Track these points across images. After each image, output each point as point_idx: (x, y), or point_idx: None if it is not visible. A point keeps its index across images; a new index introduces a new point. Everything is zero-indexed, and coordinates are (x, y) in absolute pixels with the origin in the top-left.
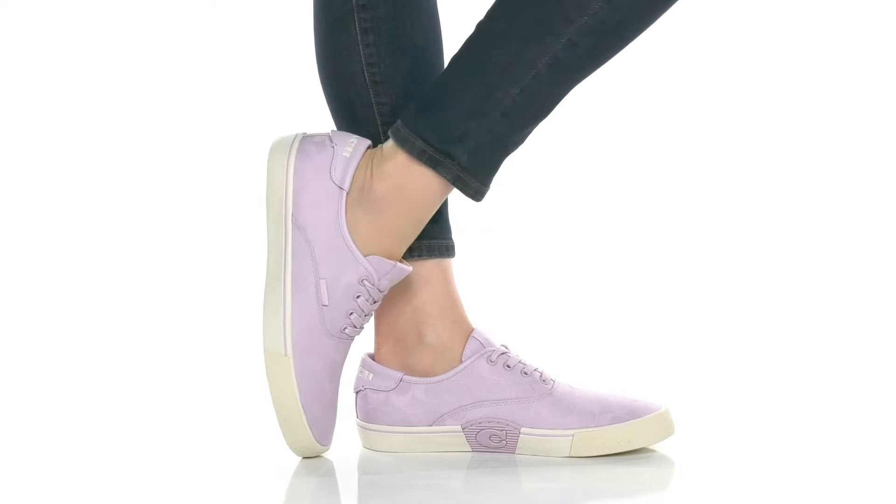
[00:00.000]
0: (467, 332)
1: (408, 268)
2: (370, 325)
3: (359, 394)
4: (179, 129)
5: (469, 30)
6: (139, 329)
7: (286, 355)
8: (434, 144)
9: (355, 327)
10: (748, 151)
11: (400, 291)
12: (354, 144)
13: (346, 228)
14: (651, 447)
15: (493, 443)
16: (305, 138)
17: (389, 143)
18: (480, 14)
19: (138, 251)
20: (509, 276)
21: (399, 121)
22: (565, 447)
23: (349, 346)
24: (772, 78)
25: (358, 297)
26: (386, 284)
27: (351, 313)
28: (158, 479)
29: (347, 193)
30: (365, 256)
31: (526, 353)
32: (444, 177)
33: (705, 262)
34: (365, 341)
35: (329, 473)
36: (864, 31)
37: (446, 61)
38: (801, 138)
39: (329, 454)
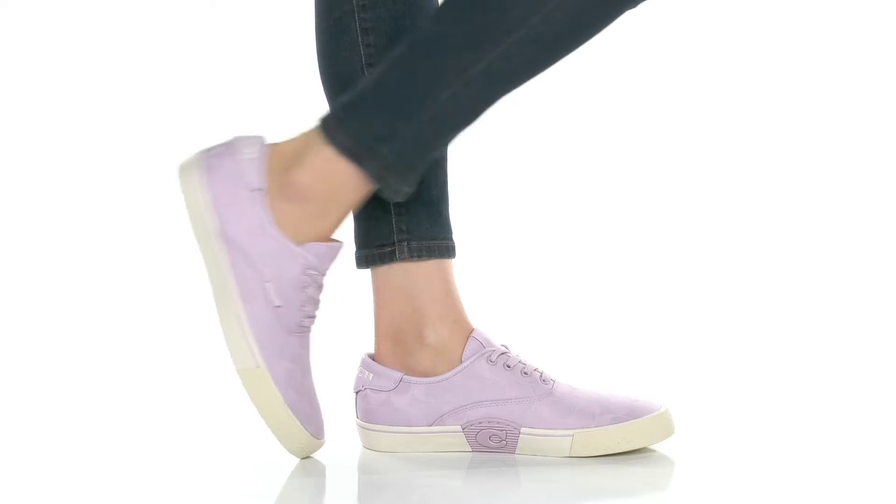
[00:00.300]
0: (467, 332)
1: (340, 242)
2: (370, 326)
3: (359, 394)
4: (179, 130)
5: None
6: (138, 329)
7: (258, 367)
8: (360, 141)
9: (311, 317)
10: (747, 152)
11: (400, 292)
12: (256, 144)
13: (273, 227)
14: (651, 447)
15: (493, 443)
16: (207, 153)
17: (315, 135)
18: None
19: (138, 251)
20: (509, 277)
21: (328, 114)
22: (565, 447)
23: (309, 337)
24: (771, 78)
25: (305, 287)
26: (328, 266)
27: (303, 305)
28: (159, 480)
29: (266, 192)
30: (300, 246)
31: (526, 353)
32: (367, 174)
33: (705, 263)
34: (365, 341)
35: (329, 473)
36: (864, 31)
37: None
38: (801, 138)
39: (329, 454)
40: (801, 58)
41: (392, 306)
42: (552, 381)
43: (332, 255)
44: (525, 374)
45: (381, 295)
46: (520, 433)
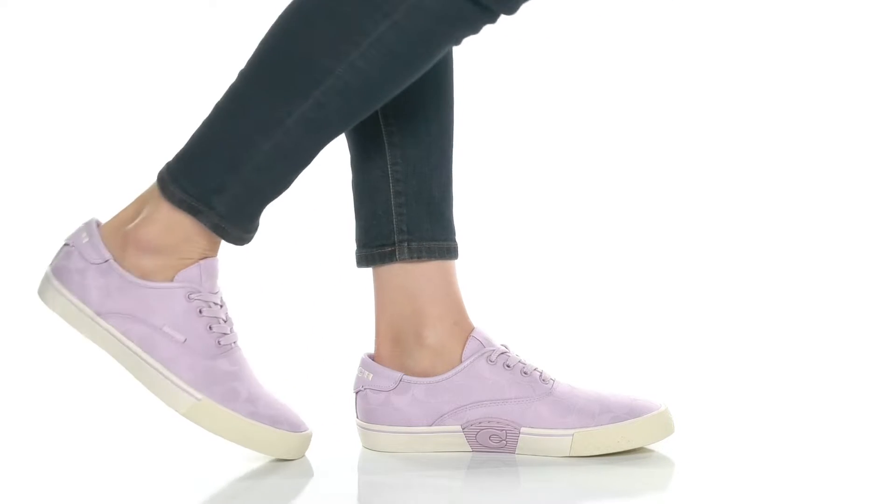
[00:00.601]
0: (468, 332)
1: (213, 258)
2: (370, 326)
3: (358, 394)
4: (179, 130)
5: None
6: None
7: (200, 399)
8: (193, 194)
9: (225, 334)
10: (747, 153)
11: (400, 293)
12: (85, 229)
13: (136, 279)
14: (651, 447)
15: (493, 443)
16: (49, 266)
17: (154, 190)
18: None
19: None
20: (510, 277)
21: (163, 169)
22: (565, 447)
23: (239, 352)
24: (771, 79)
25: (200, 311)
26: (212, 282)
27: (210, 326)
28: (159, 481)
29: (113, 259)
30: (171, 281)
31: (526, 352)
32: (204, 224)
33: (705, 263)
34: (365, 341)
35: (329, 473)
36: (864, 31)
37: None
38: (800, 138)
39: (329, 454)
40: (800, 58)
41: (392, 306)
42: (552, 381)
43: (209, 271)
44: (525, 373)
45: (381, 295)
46: (520, 433)
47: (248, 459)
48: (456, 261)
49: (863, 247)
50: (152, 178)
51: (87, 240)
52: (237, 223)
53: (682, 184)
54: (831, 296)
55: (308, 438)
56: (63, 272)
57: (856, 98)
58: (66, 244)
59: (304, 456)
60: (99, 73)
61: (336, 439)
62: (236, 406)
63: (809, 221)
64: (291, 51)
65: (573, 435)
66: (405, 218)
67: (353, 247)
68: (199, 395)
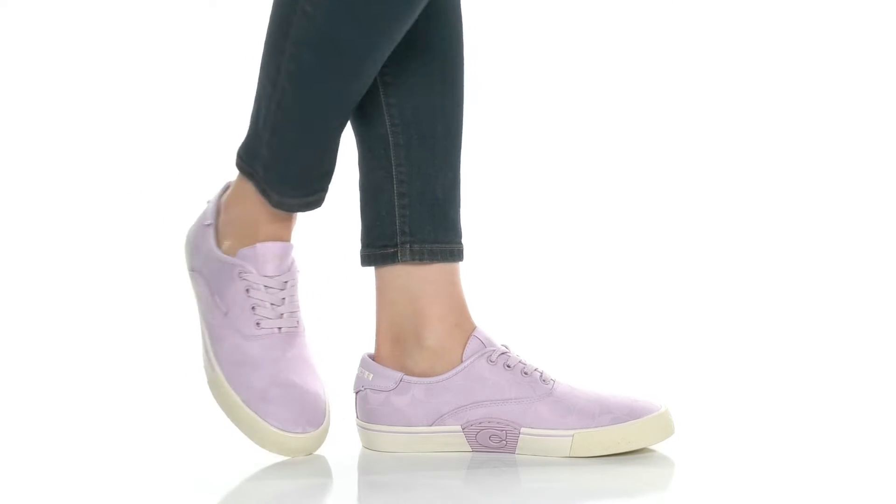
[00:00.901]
0: (469, 333)
1: (273, 242)
2: (370, 325)
3: (358, 394)
4: (179, 130)
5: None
6: (138, 330)
7: (216, 373)
8: (245, 160)
9: (269, 318)
10: (746, 153)
11: (401, 293)
12: (220, 189)
13: (214, 247)
14: (651, 447)
15: (493, 443)
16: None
17: None
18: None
19: (136, 251)
20: (510, 277)
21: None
22: (565, 447)
23: (285, 336)
24: (771, 78)
25: (248, 290)
26: (270, 268)
27: (253, 307)
28: (159, 480)
29: (213, 226)
30: (232, 256)
31: (526, 353)
32: (255, 187)
33: (705, 263)
34: (365, 341)
35: (329, 473)
36: (864, 31)
37: None
38: (800, 138)
39: (329, 454)
40: (800, 58)
41: (393, 307)
42: (552, 381)
43: (265, 255)
44: (525, 373)
45: (383, 295)
46: (520, 433)
47: (251, 459)
48: (461, 262)
49: (862, 247)
50: (151, 175)
51: (213, 199)
52: (274, 187)
53: (681, 185)
54: (829, 296)
55: (300, 441)
56: (196, 220)
57: (855, 98)
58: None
59: (298, 456)
60: (99, 73)
61: (336, 439)
62: (241, 390)
63: (807, 222)
64: (271, 9)
65: (573, 436)
66: (408, 219)
67: (357, 245)
68: (217, 369)
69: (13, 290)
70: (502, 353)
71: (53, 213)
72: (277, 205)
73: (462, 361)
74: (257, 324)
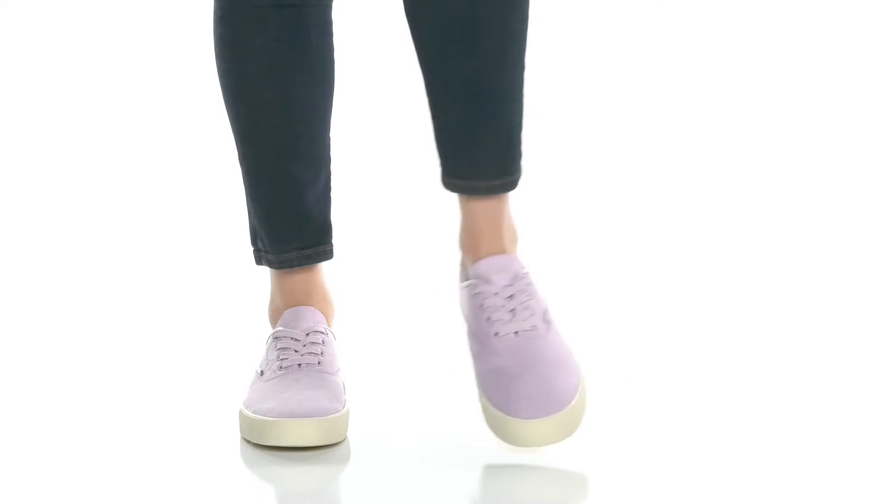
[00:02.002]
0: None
1: (299, 307)
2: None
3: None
4: (179, 130)
5: None
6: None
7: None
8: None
9: (285, 358)
10: (744, 153)
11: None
12: None
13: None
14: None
15: None
16: None
17: None
18: None
19: (136, 251)
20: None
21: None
22: None
23: (301, 369)
24: (771, 79)
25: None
26: (297, 323)
27: (278, 356)
28: (159, 480)
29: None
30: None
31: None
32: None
33: (704, 263)
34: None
35: (330, 473)
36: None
37: None
38: (799, 138)
39: (328, 453)
40: (800, 58)
41: None
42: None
43: (293, 315)
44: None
45: None
46: None
47: (245, 459)
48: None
49: (861, 247)
50: (151, 178)
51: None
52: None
53: (681, 184)
54: (829, 296)
55: (277, 426)
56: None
57: (855, 98)
58: None
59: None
60: (99, 73)
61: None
62: (247, 406)
63: (807, 222)
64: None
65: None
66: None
67: None
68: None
69: (13, 290)
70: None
71: (53, 214)
72: (268, 263)
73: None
74: (279, 367)
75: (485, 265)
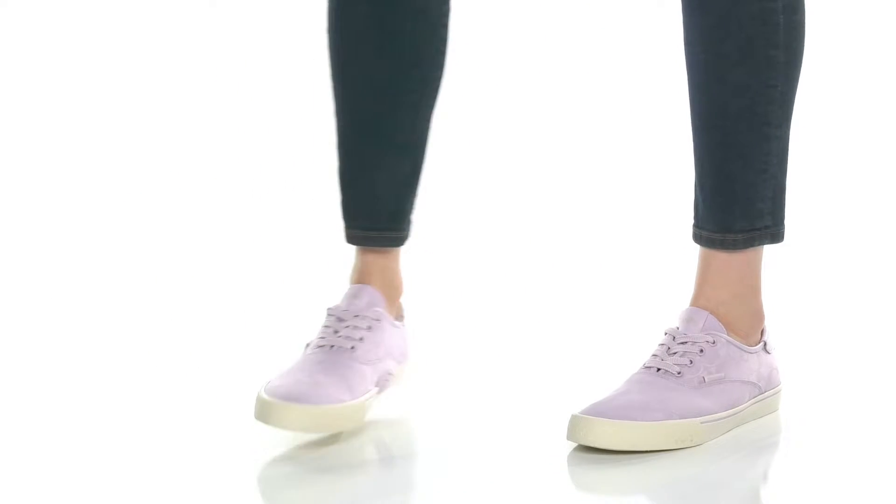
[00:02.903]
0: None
1: (353, 285)
2: None
3: None
4: (179, 130)
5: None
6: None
7: None
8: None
9: (314, 340)
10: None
11: None
12: None
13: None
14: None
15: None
16: None
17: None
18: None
19: (135, 251)
20: (511, 278)
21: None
22: None
23: (317, 350)
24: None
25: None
26: (346, 301)
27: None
28: (160, 480)
29: None
30: None
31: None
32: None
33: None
34: None
35: (329, 473)
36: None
37: None
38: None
39: (327, 453)
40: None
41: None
42: None
43: (347, 293)
44: None
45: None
46: None
47: (244, 459)
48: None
49: (861, 247)
50: (151, 178)
51: None
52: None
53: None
54: (828, 295)
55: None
56: None
57: (856, 98)
58: None
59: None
60: (99, 73)
61: (337, 438)
62: (268, 380)
63: (805, 222)
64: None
65: None
66: None
67: None
68: None
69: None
70: None
71: (53, 213)
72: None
73: None
74: (307, 345)
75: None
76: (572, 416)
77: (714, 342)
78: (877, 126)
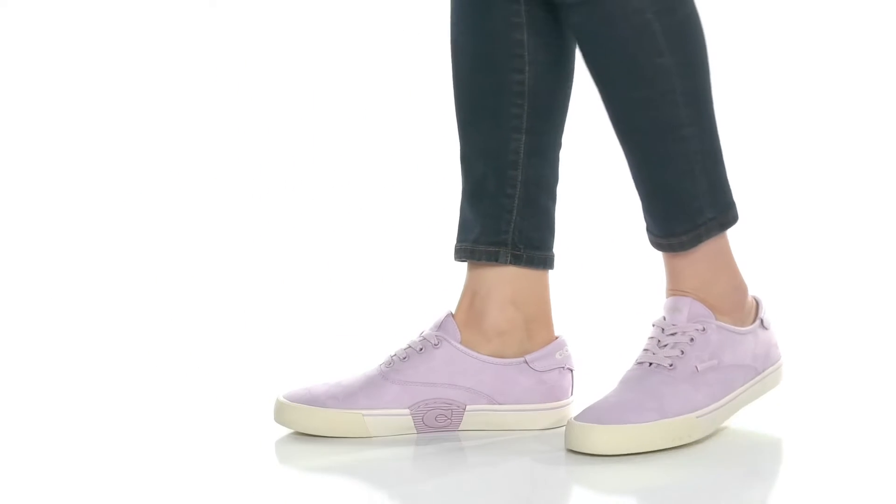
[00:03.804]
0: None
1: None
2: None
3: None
4: (179, 130)
5: None
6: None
7: None
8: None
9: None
10: (744, 153)
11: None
12: None
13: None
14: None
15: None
16: None
17: None
18: None
19: (135, 252)
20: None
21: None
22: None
23: (381, 367)
24: (771, 78)
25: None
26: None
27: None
28: (160, 480)
29: None
30: None
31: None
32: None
33: None
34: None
35: (329, 473)
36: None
37: None
38: (799, 138)
39: (327, 452)
40: (801, 57)
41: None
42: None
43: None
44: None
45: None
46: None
47: (243, 460)
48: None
49: (861, 247)
50: (151, 178)
51: None
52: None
53: None
54: (828, 296)
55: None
56: None
57: (856, 98)
58: None
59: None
60: (99, 73)
61: (338, 439)
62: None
63: (805, 222)
64: None
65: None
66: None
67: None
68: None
69: (13, 290)
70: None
71: (53, 214)
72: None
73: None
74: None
75: None
76: (568, 423)
77: (704, 329)
78: (873, 117)
